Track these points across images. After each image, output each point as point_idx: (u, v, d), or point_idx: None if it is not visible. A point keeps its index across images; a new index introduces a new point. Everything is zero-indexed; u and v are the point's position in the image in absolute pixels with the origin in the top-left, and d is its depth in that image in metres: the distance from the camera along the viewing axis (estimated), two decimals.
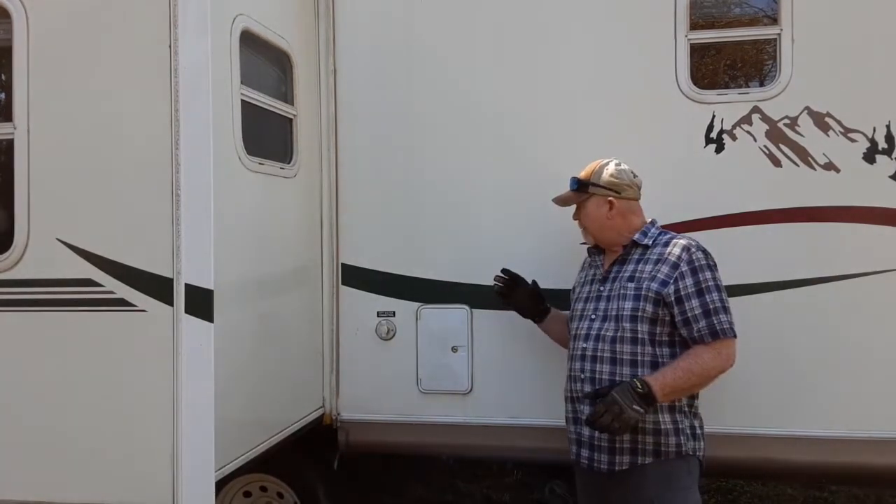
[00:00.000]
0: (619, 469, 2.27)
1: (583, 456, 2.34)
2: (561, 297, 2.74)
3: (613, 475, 2.28)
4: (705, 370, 2.23)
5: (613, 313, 2.32)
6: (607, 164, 2.46)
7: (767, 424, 2.72)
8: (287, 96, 2.93)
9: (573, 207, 2.53)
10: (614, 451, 2.27)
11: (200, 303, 2.16)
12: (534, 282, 2.76)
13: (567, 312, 2.64)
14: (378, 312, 3.04)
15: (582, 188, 2.45)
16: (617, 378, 2.26)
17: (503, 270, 2.77)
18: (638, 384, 2.16)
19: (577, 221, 2.54)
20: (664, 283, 2.27)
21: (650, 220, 2.48)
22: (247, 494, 3.22)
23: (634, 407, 2.12)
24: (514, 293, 2.75)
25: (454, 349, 2.96)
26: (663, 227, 2.50)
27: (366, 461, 3.31)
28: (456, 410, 2.98)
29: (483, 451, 3.08)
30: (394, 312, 3.02)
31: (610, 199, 2.41)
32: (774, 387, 2.71)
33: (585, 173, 2.47)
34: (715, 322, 2.23)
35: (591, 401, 2.24)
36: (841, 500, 4.21)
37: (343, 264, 3.09)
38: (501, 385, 2.93)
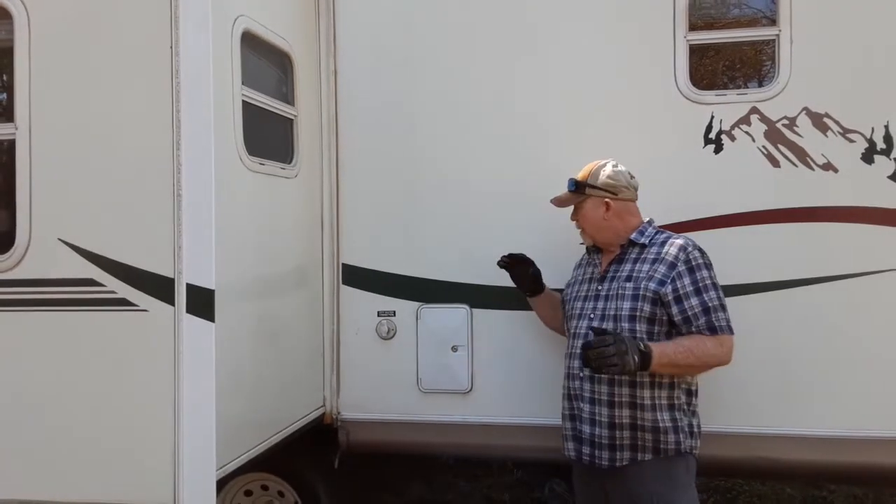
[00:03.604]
0: (619, 465, 2.29)
1: (584, 453, 2.35)
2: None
3: (615, 471, 2.30)
4: (705, 355, 2.24)
5: (612, 313, 2.34)
6: (604, 165, 2.47)
7: (767, 424, 2.73)
8: (288, 97, 2.94)
9: (571, 208, 2.54)
10: (615, 447, 2.29)
11: (202, 302, 2.17)
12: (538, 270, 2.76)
13: (559, 296, 2.67)
14: (378, 312, 3.05)
15: (579, 189, 2.46)
16: (616, 378, 2.27)
17: (509, 255, 2.74)
18: (641, 344, 2.16)
19: (574, 222, 2.55)
20: (661, 283, 2.29)
21: (647, 219, 2.49)
22: (248, 493, 3.23)
23: (634, 356, 2.10)
24: (517, 267, 2.74)
25: (454, 349, 2.96)
26: (662, 227, 2.51)
27: (366, 460, 3.31)
28: (456, 410, 2.98)
29: (483, 451, 3.08)
30: (394, 312, 3.03)
31: (606, 200, 2.43)
32: (774, 386, 2.72)
33: (582, 174, 2.48)
34: (713, 319, 2.26)
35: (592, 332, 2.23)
36: (839, 500, 4.21)
37: (343, 264, 3.10)
38: (501, 384, 2.94)
